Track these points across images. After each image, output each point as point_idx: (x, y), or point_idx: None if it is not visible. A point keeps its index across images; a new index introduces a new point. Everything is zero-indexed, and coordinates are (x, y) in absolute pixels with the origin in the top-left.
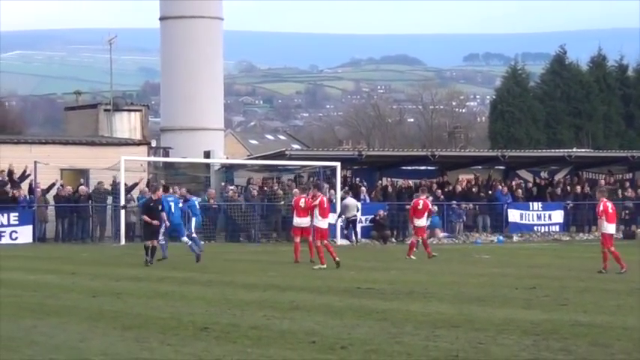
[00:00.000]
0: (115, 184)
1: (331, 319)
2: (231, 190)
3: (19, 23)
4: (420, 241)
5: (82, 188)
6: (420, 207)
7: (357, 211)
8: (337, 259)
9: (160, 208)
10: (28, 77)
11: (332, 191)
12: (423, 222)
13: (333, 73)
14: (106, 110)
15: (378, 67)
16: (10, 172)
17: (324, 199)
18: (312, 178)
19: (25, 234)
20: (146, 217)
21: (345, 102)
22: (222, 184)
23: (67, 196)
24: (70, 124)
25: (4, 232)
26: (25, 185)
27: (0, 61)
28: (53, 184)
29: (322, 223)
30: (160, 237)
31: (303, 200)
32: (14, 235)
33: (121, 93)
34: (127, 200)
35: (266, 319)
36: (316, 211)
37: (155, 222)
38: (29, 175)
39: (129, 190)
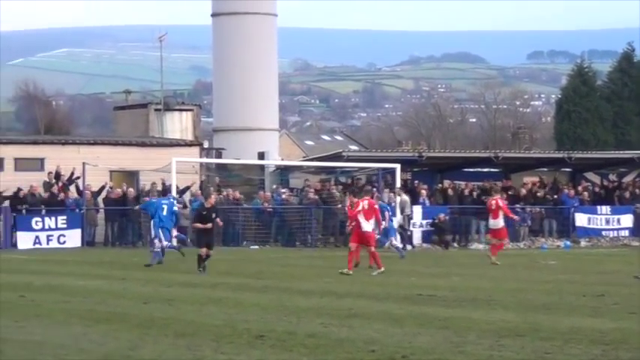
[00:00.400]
0: (165, 187)
1: (391, 327)
2: (284, 192)
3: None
4: (498, 243)
5: (131, 191)
6: (494, 207)
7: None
8: (368, 265)
9: (213, 215)
10: (76, 76)
11: (391, 194)
12: (498, 223)
13: (392, 72)
14: (156, 110)
15: (438, 65)
16: (58, 174)
17: (365, 202)
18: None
19: (73, 238)
20: (197, 225)
21: (404, 101)
22: (274, 186)
23: (117, 199)
24: (119, 125)
25: (52, 235)
26: (73, 187)
27: (47, 58)
28: (103, 187)
29: (367, 227)
30: (166, 243)
31: (366, 203)
32: (62, 239)
33: (172, 92)
34: (179, 202)
35: (323, 326)
36: (361, 216)
37: (209, 225)
38: (78, 177)
39: (181, 192)
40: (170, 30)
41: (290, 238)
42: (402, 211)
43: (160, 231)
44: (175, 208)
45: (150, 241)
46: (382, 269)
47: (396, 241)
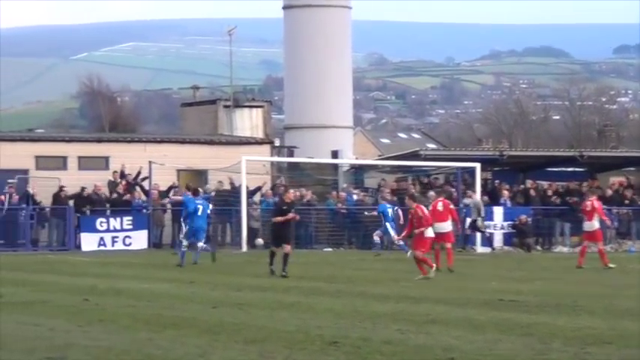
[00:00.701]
0: (234, 187)
1: (471, 333)
2: (356, 193)
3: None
4: (597, 248)
5: (199, 190)
6: (589, 209)
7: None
8: (427, 275)
9: (292, 211)
10: (141, 71)
11: (469, 191)
12: (593, 225)
13: (471, 66)
14: (225, 106)
15: (520, 59)
16: (123, 173)
17: (422, 207)
18: (448, 180)
19: (139, 239)
20: (278, 218)
21: (484, 97)
22: (344, 185)
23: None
24: (186, 122)
25: (117, 237)
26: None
27: (112, 53)
28: (172, 187)
29: (427, 232)
30: (202, 244)
31: (440, 204)
32: (128, 241)
33: (242, 88)
34: (250, 204)
35: (400, 333)
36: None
37: (290, 215)
38: (146, 177)
39: (251, 193)
40: (240, 23)
41: (365, 240)
42: (478, 213)
43: (194, 231)
44: (208, 211)
45: (179, 241)
46: (429, 275)
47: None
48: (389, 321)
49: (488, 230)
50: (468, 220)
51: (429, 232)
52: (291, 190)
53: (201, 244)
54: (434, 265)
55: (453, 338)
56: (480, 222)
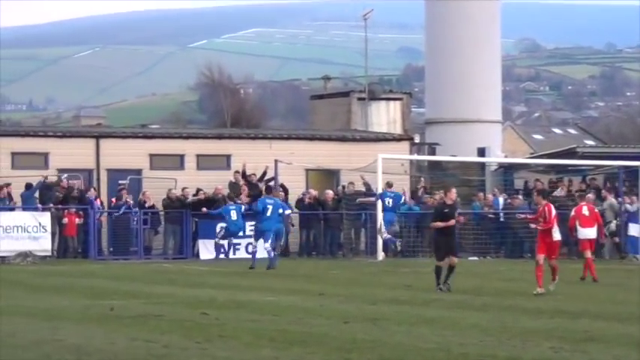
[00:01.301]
0: (369, 189)
1: (634, 352)
2: (502, 195)
3: None
4: None
5: (329, 192)
6: None
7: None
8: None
9: (456, 214)
10: (267, 59)
11: (634, 197)
12: None
13: (635, 53)
14: (360, 99)
15: None
16: (244, 173)
17: (551, 206)
18: (607, 181)
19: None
20: (438, 223)
21: None
22: (494, 188)
23: (311, 203)
24: (316, 116)
25: (239, 244)
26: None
27: (234, 40)
28: (309, 191)
29: (555, 235)
30: (268, 246)
31: (586, 208)
32: (251, 248)
33: (378, 78)
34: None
35: (553, 351)
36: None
37: (452, 221)
38: (272, 178)
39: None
40: (376, 6)
41: (515, 248)
42: (615, 216)
43: (261, 232)
44: (286, 212)
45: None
46: (541, 289)
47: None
48: (541, 338)
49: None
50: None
51: (557, 234)
52: (453, 190)
53: (267, 245)
54: (542, 287)
55: (614, 357)
56: (612, 226)
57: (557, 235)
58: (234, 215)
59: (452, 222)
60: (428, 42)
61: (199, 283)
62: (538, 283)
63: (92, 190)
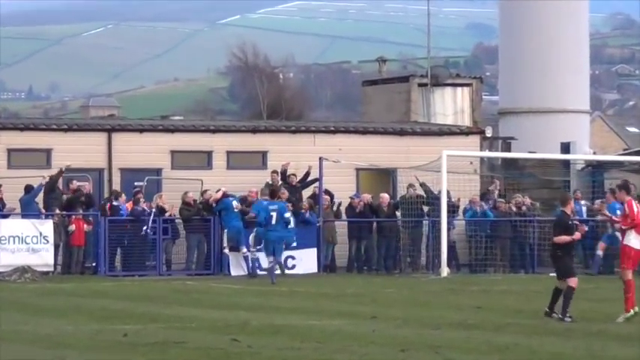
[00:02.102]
0: (429, 191)
1: None
2: (583, 200)
3: None
4: None
5: (385, 196)
6: None
7: None
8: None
9: (575, 226)
10: (310, 38)
11: None
12: None
13: None
14: (421, 85)
15: None
16: (284, 174)
17: (634, 203)
18: None
19: (306, 260)
20: (564, 237)
21: None
22: (577, 191)
23: (362, 209)
24: (369, 105)
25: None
26: (307, 191)
27: (272, 15)
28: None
29: (633, 241)
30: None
31: None
32: (290, 263)
33: (443, 60)
34: (452, 216)
35: None
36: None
37: (576, 235)
38: (316, 179)
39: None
40: None
41: (606, 263)
42: None
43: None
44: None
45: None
46: (632, 312)
47: None
48: None
49: None
50: None
51: (635, 242)
52: (571, 199)
53: (272, 258)
54: (632, 308)
55: None
56: None
57: (633, 242)
58: (274, 220)
59: (578, 235)
60: (502, 17)
61: (229, 304)
62: (629, 304)
63: (123, 195)
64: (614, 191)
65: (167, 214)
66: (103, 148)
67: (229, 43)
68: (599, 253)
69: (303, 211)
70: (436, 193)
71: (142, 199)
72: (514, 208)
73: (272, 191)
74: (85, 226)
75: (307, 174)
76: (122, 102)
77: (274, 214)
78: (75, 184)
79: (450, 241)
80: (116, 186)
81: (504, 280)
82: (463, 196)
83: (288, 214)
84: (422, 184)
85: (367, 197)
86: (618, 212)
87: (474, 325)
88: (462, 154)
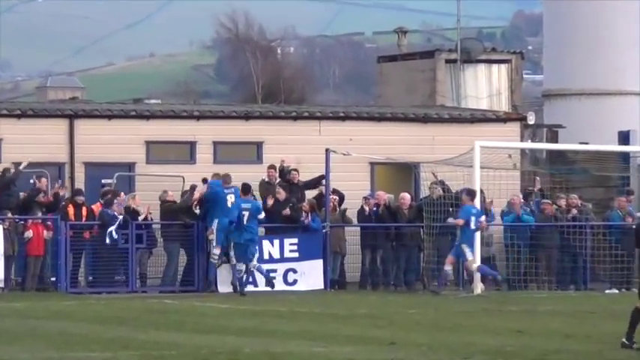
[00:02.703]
0: (448, 191)
1: None
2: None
3: None
4: None
5: (406, 197)
6: None
7: None
8: None
9: None
10: (315, 5)
11: None
12: None
13: None
14: (449, 61)
15: None
16: (282, 170)
17: None
18: None
19: (310, 274)
20: None
21: None
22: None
23: (377, 213)
24: (386, 85)
25: (276, 270)
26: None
27: None
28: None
29: None
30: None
31: None
32: (291, 277)
33: (476, 32)
34: (489, 221)
35: None
36: None
37: None
38: (322, 177)
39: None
40: None
41: None
42: None
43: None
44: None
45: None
46: None
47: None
48: None
49: None
50: None
51: None
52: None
53: (254, 263)
54: None
55: None
56: None
57: None
58: (246, 218)
59: None
60: None
61: (216, 326)
62: None
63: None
64: None
65: (141, 218)
66: (63, 137)
67: (216, 10)
68: None
69: (303, 214)
70: (458, 192)
71: (118, 200)
72: (562, 212)
73: (244, 186)
74: (45, 232)
75: (319, 181)
76: (86, 82)
77: (247, 213)
78: (44, 182)
79: (489, 252)
80: (79, 184)
81: (550, 298)
82: (498, 196)
83: (262, 216)
84: (440, 182)
85: (384, 197)
86: None
87: (513, 353)
88: (499, 145)
